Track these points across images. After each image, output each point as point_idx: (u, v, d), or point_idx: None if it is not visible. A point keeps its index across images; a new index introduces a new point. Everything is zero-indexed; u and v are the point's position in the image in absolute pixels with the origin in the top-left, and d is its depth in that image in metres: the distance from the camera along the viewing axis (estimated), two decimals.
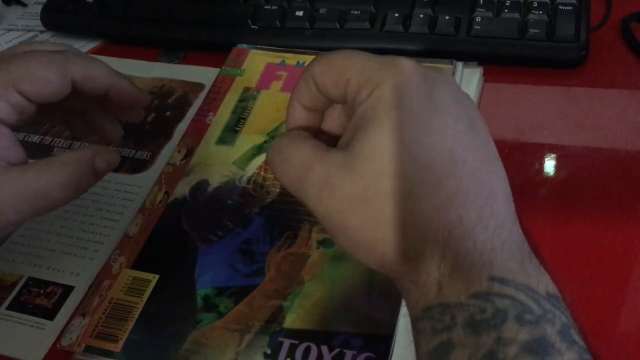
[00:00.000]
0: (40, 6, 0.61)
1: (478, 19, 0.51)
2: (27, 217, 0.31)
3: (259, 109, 0.48)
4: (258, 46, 0.53)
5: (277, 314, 0.36)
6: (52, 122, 0.52)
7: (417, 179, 0.25)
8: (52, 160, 0.32)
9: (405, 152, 0.25)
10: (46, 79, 0.32)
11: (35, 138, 0.51)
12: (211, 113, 0.49)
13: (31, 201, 0.30)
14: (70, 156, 0.32)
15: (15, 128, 0.33)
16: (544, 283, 0.25)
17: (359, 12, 0.53)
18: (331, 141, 0.31)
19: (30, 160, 0.33)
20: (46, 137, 0.51)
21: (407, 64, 0.27)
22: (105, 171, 0.33)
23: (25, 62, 0.32)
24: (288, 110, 0.31)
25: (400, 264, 0.26)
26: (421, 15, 0.52)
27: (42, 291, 0.41)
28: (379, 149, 0.26)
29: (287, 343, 0.35)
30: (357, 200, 0.26)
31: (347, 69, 0.28)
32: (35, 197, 0.31)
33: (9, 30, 0.64)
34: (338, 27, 0.53)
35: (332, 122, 0.32)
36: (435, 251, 0.25)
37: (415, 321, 0.26)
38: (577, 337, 0.24)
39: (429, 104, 0.26)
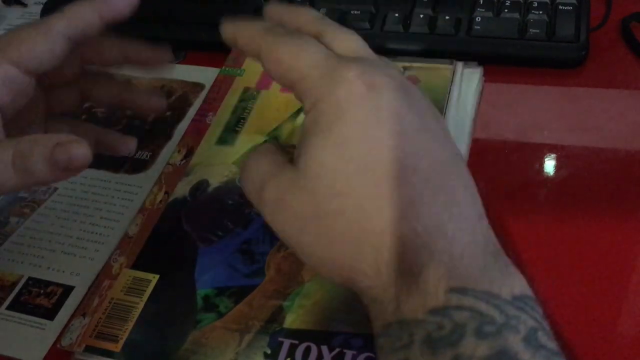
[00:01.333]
0: (41, 6, 0.61)
1: (478, 19, 0.51)
2: None
3: (259, 109, 0.48)
4: None
5: (277, 314, 0.36)
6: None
7: (365, 195, 0.25)
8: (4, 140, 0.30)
9: (350, 168, 0.25)
10: (32, 39, 0.32)
11: None
12: (211, 113, 0.49)
13: None
14: (26, 138, 0.29)
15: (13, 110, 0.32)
16: (509, 285, 0.24)
17: (359, 12, 0.53)
18: None
19: None
20: None
21: (350, 75, 0.26)
22: (68, 165, 0.29)
23: (9, 34, 0.32)
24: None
25: (359, 280, 0.26)
26: (421, 15, 0.52)
27: (42, 291, 0.41)
28: (324, 167, 0.25)
29: (287, 343, 0.35)
30: (309, 218, 0.26)
31: (294, 69, 0.27)
32: None
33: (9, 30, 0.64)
34: None
35: None
36: (391, 266, 0.24)
37: (376, 337, 0.25)
38: (544, 340, 0.23)
39: (373, 115, 0.25)
